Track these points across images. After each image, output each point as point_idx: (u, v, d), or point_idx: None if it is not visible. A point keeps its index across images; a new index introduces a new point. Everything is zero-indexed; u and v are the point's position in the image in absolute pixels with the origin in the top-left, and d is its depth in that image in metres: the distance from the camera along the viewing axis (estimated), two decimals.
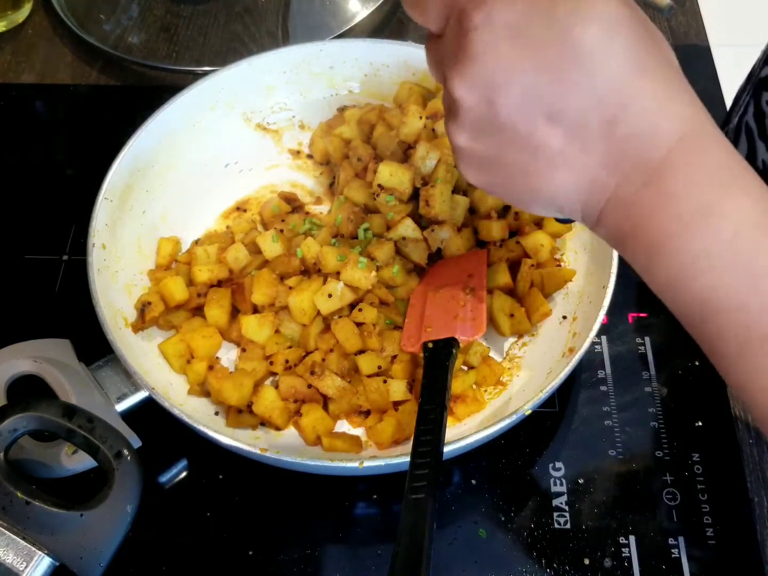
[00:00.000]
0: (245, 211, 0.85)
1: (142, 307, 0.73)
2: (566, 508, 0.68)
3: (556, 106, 0.43)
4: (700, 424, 0.72)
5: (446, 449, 0.58)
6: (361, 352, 0.72)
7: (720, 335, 0.45)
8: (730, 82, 0.98)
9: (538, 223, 0.78)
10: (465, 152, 0.48)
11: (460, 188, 0.79)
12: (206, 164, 0.85)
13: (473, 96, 0.45)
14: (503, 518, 0.68)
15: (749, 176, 0.44)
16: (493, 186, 0.50)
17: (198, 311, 0.76)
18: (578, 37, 0.42)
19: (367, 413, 0.71)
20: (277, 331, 0.74)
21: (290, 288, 0.74)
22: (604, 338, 0.77)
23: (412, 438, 0.58)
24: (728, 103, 0.95)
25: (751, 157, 0.76)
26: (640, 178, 0.44)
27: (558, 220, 0.59)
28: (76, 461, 0.63)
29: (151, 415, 0.66)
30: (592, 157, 0.44)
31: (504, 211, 0.79)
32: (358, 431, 0.71)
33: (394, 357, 0.72)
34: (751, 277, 0.43)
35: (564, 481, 0.69)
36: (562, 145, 0.44)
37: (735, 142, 0.79)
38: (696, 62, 1.02)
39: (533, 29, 0.42)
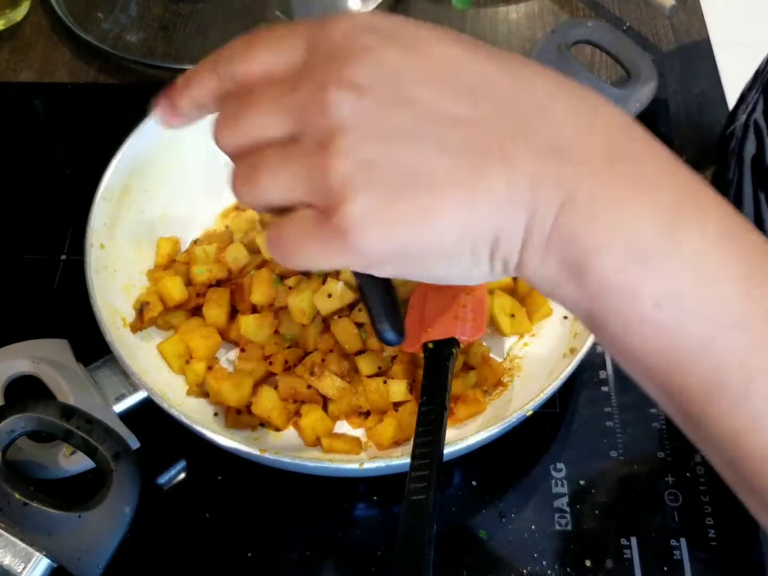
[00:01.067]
0: (244, 210, 0.85)
1: (141, 307, 0.73)
2: (567, 509, 0.68)
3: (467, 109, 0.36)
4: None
5: (447, 450, 0.58)
6: (361, 352, 0.72)
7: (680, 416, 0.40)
8: (732, 82, 0.98)
9: None
10: (352, 169, 0.37)
11: None
12: (205, 164, 0.84)
13: (371, 95, 0.35)
14: (504, 519, 0.67)
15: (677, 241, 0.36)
16: (384, 224, 0.40)
17: (197, 311, 0.76)
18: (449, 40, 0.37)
19: (367, 414, 0.71)
20: (276, 331, 0.73)
21: (290, 288, 0.74)
22: None
23: (412, 439, 0.58)
24: (730, 102, 0.95)
25: (759, 155, 0.76)
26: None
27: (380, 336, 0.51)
28: (74, 462, 0.63)
29: (149, 416, 0.65)
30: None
31: None
32: (358, 432, 0.70)
33: (394, 357, 0.72)
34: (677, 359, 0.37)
35: (565, 482, 0.69)
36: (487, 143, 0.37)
37: (742, 140, 0.79)
38: (697, 61, 1.01)
39: (411, 30, 0.37)
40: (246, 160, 0.39)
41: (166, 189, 0.81)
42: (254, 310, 0.75)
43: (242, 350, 0.73)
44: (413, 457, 0.56)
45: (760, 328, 0.36)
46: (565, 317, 0.74)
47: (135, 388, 0.66)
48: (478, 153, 0.35)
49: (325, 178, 0.35)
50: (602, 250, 0.35)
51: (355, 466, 0.60)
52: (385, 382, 0.70)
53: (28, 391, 0.67)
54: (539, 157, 0.35)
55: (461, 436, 0.61)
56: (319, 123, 0.35)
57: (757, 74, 0.81)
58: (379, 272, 0.39)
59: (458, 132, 0.35)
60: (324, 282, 0.73)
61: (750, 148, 0.78)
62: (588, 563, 0.65)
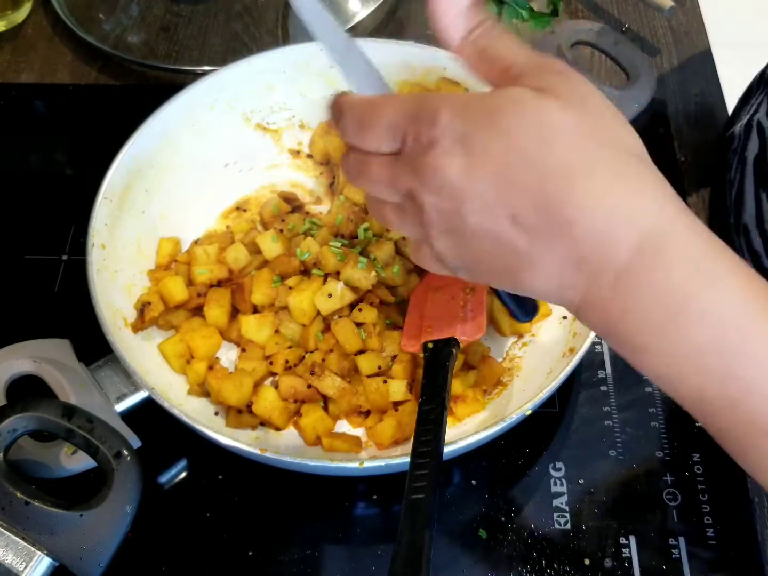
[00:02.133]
0: (245, 211, 0.85)
1: (142, 307, 0.73)
2: (566, 508, 0.68)
3: (515, 210, 0.43)
4: (701, 424, 0.72)
5: (446, 449, 0.58)
6: (361, 352, 0.72)
7: (719, 433, 0.45)
8: (731, 82, 0.98)
9: None
10: (448, 257, 0.48)
11: None
12: (206, 164, 0.85)
13: (441, 206, 0.45)
14: (503, 518, 0.68)
15: (728, 264, 0.43)
16: (479, 279, 0.50)
17: (198, 311, 0.76)
18: (521, 143, 0.42)
19: (367, 413, 0.71)
20: (277, 331, 0.73)
21: (290, 288, 0.74)
22: None
23: (412, 438, 0.58)
24: (728, 102, 0.95)
25: (762, 156, 0.76)
26: (606, 283, 0.43)
27: (512, 315, 0.66)
28: (75, 461, 0.63)
29: (150, 416, 0.65)
30: (556, 257, 0.44)
31: None
32: (358, 431, 0.71)
33: (394, 357, 0.72)
34: (741, 375, 0.41)
35: (564, 481, 0.69)
36: (527, 246, 0.44)
37: (745, 141, 0.79)
38: (696, 62, 1.01)
39: (482, 139, 0.43)
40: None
41: (167, 189, 0.81)
42: (255, 310, 0.75)
43: (243, 350, 0.73)
44: (413, 456, 0.56)
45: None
46: (564, 317, 0.74)
47: (136, 387, 0.66)
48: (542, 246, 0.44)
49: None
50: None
51: (355, 465, 0.61)
52: (385, 382, 0.70)
53: (29, 390, 0.67)
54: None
55: (461, 436, 0.61)
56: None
57: (762, 76, 0.81)
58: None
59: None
60: (324, 282, 0.73)
61: (753, 148, 0.78)
62: (587, 562, 0.65)
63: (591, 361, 0.76)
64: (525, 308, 0.64)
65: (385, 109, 0.47)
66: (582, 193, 0.42)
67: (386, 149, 0.48)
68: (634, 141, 0.46)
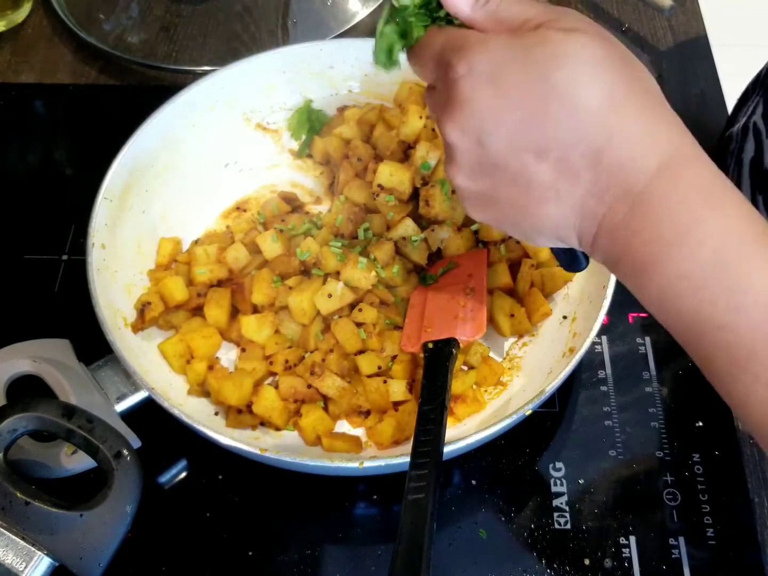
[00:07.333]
0: (245, 211, 0.85)
1: (142, 307, 0.73)
2: (566, 508, 0.68)
3: (542, 144, 0.46)
4: (701, 424, 0.72)
5: (446, 449, 0.58)
6: (361, 352, 0.72)
7: (708, 355, 0.46)
8: (730, 82, 0.98)
9: None
10: (466, 192, 0.51)
11: None
12: (206, 164, 0.85)
13: (464, 140, 0.48)
14: (503, 518, 0.68)
15: (731, 195, 0.45)
16: (498, 222, 0.52)
17: (198, 311, 0.76)
18: (554, 77, 0.44)
19: (367, 413, 0.71)
20: (277, 331, 0.73)
21: (290, 288, 0.74)
22: (604, 338, 0.77)
23: (412, 438, 0.58)
24: (728, 102, 0.95)
25: (758, 158, 0.76)
26: (625, 205, 0.46)
27: (564, 267, 0.59)
28: (75, 461, 0.63)
29: (150, 416, 0.66)
30: (580, 188, 0.46)
31: None
32: (358, 431, 0.71)
33: (394, 357, 0.72)
34: (732, 295, 0.43)
35: (564, 481, 0.69)
36: (552, 179, 0.46)
37: (741, 143, 0.79)
38: (696, 62, 1.01)
39: (512, 74, 0.45)
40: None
41: (167, 189, 0.81)
42: (255, 310, 0.75)
43: (243, 350, 0.73)
44: (413, 456, 0.56)
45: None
46: (564, 317, 0.74)
47: (136, 387, 0.66)
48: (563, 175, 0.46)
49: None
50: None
51: (355, 465, 0.61)
52: (385, 382, 0.70)
53: (29, 390, 0.67)
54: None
55: (461, 436, 0.61)
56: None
57: (758, 78, 0.81)
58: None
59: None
60: (324, 282, 0.73)
61: (749, 150, 0.78)
62: (587, 562, 0.65)
63: (591, 361, 0.76)
64: (576, 258, 0.58)
65: (430, 43, 0.50)
66: (612, 127, 0.44)
67: (431, 82, 0.51)
68: (650, 79, 0.48)
